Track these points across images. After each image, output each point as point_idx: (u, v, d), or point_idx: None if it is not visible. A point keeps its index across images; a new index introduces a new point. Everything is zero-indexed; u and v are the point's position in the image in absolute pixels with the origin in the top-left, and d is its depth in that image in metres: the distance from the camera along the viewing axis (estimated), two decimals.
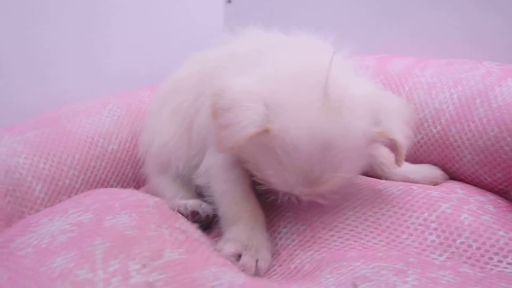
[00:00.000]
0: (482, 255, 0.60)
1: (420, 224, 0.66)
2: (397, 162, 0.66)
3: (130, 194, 0.67)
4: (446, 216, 0.66)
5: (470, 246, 0.62)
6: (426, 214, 0.67)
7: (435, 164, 0.86)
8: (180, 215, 0.66)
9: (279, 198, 0.66)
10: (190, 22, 1.51)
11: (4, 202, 0.79)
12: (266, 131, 0.56)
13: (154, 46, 1.44)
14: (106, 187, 0.95)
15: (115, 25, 1.33)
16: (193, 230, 0.58)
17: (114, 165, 0.99)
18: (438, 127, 0.84)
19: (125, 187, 0.98)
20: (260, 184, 0.65)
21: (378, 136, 0.62)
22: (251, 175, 0.67)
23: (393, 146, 0.64)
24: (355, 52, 0.71)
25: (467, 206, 0.68)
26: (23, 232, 0.54)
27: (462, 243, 0.62)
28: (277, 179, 0.60)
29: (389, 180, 0.80)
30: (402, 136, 0.63)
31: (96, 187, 0.94)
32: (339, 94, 0.58)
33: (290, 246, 0.66)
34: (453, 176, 0.84)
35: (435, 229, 0.65)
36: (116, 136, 1.01)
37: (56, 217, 0.56)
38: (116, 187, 0.97)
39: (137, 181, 1.03)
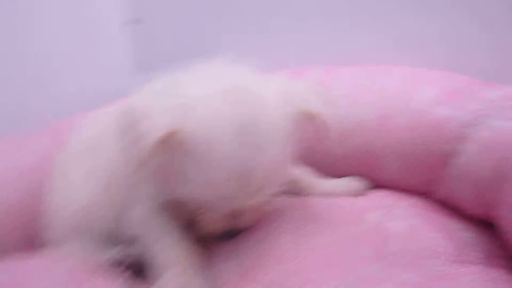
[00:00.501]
0: (416, 260, 0.65)
1: (352, 238, 0.71)
2: (325, 138, 0.70)
3: (39, 260, 0.64)
4: (375, 227, 0.72)
5: (404, 252, 0.67)
6: (356, 228, 0.72)
7: (361, 175, 0.92)
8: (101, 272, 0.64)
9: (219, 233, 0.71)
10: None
11: None
12: (174, 134, 0.59)
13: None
14: None
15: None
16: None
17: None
18: (362, 139, 0.90)
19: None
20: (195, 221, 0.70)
21: (298, 116, 0.66)
22: (188, 214, 0.71)
23: (316, 123, 0.68)
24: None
25: (394, 211, 0.76)
26: None
27: (393, 252, 0.67)
28: (210, 193, 0.62)
29: None
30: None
31: None
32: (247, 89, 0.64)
33: (232, 280, 0.68)
34: (378, 184, 0.91)
35: (367, 243, 0.69)
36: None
37: None
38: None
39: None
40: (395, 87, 0.89)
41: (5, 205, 0.91)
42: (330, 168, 0.96)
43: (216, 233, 0.73)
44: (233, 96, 0.63)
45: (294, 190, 0.89)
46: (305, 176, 0.91)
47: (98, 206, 0.81)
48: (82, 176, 0.84)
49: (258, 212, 0.73)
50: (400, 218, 0.73)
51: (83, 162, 0.86)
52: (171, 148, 0.60)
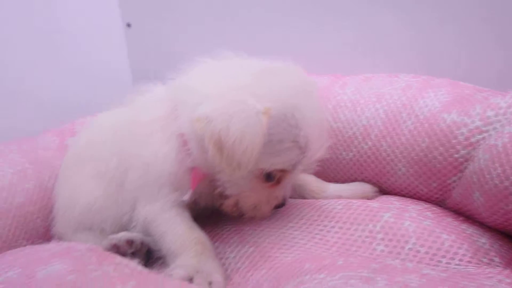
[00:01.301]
0: (431, 259, 0.68)
1: (366, 237, 0.73)
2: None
3: (55, 245, 0.65)
4: (390, 225, 0.74)
5: (418, 251, 0.70)
6: (370, 226, 0.74)
7: (369, 181, 0.95)
8: (117, 255, 0.66)
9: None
10: (93, 48, 1.56)
11: None
12: (269, 113, 0.66)
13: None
14: (15, 247, 0.89)
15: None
16: (135, 263, 0.58)
17: (22, 220, 0.94)
18: (369, 143, 0.94)
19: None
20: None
21: None
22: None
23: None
24: None
25: (407, 214, 0.77)
26: None
27: (410, 249, 0.70)
28: (285, 157, 0.71)
29: None
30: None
31: (1, 249, 0.88)
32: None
33: (241, 269, 0.70)
34: (387, 191, 0.94)
35: (382, 239, 0.72)
36: (22, 188, 0.96)
37: None
38: (26, 245, 0.91)
39: (50, 236, 0.98)
40: (401, 94, 0.92)
41: (20, 199, 0.95)
42: (338, 173, 0.99)
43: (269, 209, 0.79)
44: (286, 71, 0.75)
45: (303, 194, 0.92)
46: (313, 180, 0.94)
47: (104, 206, 0.86)
48: (88, 179, 0.88)
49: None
50: (414, 219, 0.74)
51: (84, 166, 0.91)
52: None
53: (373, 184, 0.95)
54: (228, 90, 0.68)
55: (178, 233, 0.75)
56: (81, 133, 1.06)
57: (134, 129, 0.82)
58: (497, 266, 0.66)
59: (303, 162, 0.74)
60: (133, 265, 0.58)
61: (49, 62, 1.45)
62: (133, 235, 0.78)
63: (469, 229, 0.74)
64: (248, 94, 0.67)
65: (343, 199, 0.84)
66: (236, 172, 0.67)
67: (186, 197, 0.76)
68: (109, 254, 0.61)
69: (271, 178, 0.74)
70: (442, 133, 0.82)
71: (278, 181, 0.76)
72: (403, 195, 0.91)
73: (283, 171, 0.74)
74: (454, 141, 0.80)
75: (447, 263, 0.67)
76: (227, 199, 0.77)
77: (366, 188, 0.93)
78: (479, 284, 0.53)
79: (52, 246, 0.64)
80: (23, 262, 0.55)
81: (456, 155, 0.80)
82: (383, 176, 0.93)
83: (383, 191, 0.94)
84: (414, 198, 0.89)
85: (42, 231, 0.98)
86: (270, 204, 0.79)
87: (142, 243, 0.77)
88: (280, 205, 0.80)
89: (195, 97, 0.70)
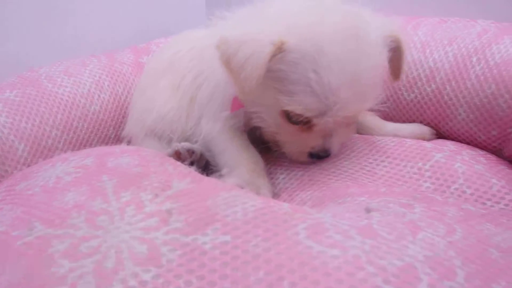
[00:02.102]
0: (476, 200, 0.69)
1: (414, 173, 0.75)
2: (398, 72, 0.77)
3: (125, 146, 0.73)
4: (440, 165, 0.75)
5: (464, 192, 0.71)
6: (420, 164, 0.76)
7: (428, 124, 0.95)
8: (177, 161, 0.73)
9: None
10: None
11: None
12: (282, 47, 0.64)
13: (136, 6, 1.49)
14: (89, 147, 1.00)
15: None
16: (192, 169, 0.64)
17: (97, 126, 1.04)
18: (433, 85, 0.92)
19: None
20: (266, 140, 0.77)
21: (389, 39, 0.72)
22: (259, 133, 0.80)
23: (395, 52, 0.74)
24: None
25: (459, 156, 0.78)
26: (25, 178, 0.60)
27: (456, 189, 0.71)
28: (298, 100, 0.67)
29: None
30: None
31: (78, 147, 0.99)
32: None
33: (289, 189, 0.75)
34: (445, 135, 0.93)
35: (430, 177, 0.73)
36: (98, 97, 1.06)
37: (58, 164, 0.61)
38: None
39: (120, 142, 1.08)
40: (475, 38, 0.88)
41: (96, 107, 1.06)
42: (397, 113, 0.99)
43: (303, 156, 0.77)
44: (329, 8, 0.69)
45: (360, 131, 0.93)
46: (372, 117, 0.95)
47: (175, 118, 0.93)
48: (165, 90, 0.95)
49: (345, 133, 0.78)
50: (466, 162, 0.75)
51: (161, 78, 0.97)
52: (281, 61, 0.66)
53: (431, 127, 0.94)
54: (257, 24, 0.69)
55: (234, 151, 0.80)
56: (161, 49, 1.15)
57: (208, 51, 0.85)
58: None
59: (330, 115, 0.68)
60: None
61: None
62: (194, 146, 0.85)
63: None
64: (272, 28, 0.66)
65: (396, 138, 0.84)
66: (242, 95, 0.70)
67: (224, 114, 0.80)
68: (171, 158, 0.68)
69: (294, 120, 0.72)
70: (511, 81, 0.79)
71: (309, 128, 0.73)
72: (460, 141, 0.90)
73: (306, 117, 0.70)
74: None
75: (491, 206, 0.68)
76: (264, 131, 0.80)
77: (424, 129, 0.92)
78: None
79: (122, 146, 0.72)
80: (97, 154, 0.63)
81: None
82: (442, 120, 0.92)
83: (441, 135, 0.94)
84: (470, 144, 0.88)
85: (113, 138, 1.08)
86: (302, 150, 0.77)
87: (201, 155, 0.84)
88: (317, 155, 0.77)
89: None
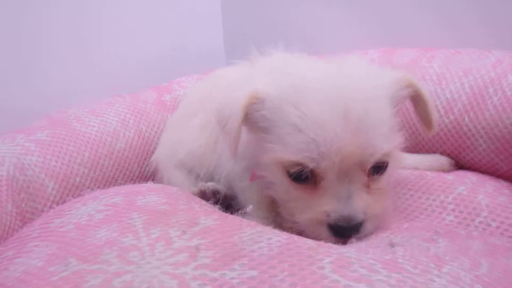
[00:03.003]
0: (502, 234, 0.69)
1: (437, 206, 0.75)
2: (430, 124, 0.72)
3: (151, 184, 0.76)
4: (462, 198, 0.75)
5: (489, 225, 0.71)
6: (442, 196, 0.76)
7: (448, 155, 0.95)
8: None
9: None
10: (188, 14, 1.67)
11: (19, 198, 0.87)
12: (257, 96, 0.66)
13: (154, 46, 1.56)
14: (114, 185, 1.03)
15: (108, 21, 1.46)
16: (218, 207, 0.66)
17: (122, 163, 1.08)
18: (451, 117, 0.93)
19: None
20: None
21: (402, 83, 0.68)
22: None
23: (418, 102, 0.71)
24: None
25: (482, 188, 0.78)
26: (58, 215, 0.62)
27: (480, 222, 0.71)
28: (289, 144, 0.63)
29: None
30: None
31: (105, 185, 1.02)
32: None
33: None
34: (466, 166, 0.93)
35: (453, 210, 0.74)
36: (123, 135, 1.10)
37: (89, 202, 0.64)
38: (124, 184, 1.05)
39: (144, 178, 1.11)
40: (490, 69, 0.90)
41: (121, 145, 1.10)
42: (417, 145, 1.00)
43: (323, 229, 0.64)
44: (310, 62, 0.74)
45: None
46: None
47: (204, 154, 0.95)
48: (197, 127, 0.99)
49: (375, 197, 0.66)
50: (489, 194, 0.75)
51: (194, 116, 1.02)
52: (262, 108, 0.66)
53: (452, 158, 0.94)
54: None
55: (254, 192, 0.80)
56: (198, 85, 1.21)
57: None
58: None
59: (327, 157, 0.61)
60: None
61: (150, 29, 1.58)
62: (219, 187, 0.86)
63: None
64: (250, 85, 0.69)
65: (417, 171, 0.85)
66: (232, 156, 0.70)
67: (249, 209, 0.74)
68: (196, 198, 0.70)
69: (295, 176, 0.65)
70: None
71: (316, 186, 0.65)
72: (482, 172, 0.90)
73: (299, 165, 0.63)
74: None
75: None
76: (279, 203, 0.73)
77: (443, 160, 0.93)
78: None
79: (149, 184, 0.75)
80: (125, 192, 0.65)
81: None
82: (462, 151, 0.92)
83: (461, 166, 0.94)
84: (493, 175, 0.87)
85: (137, 174, 1.11)
86: (317, 218, 0.64)
87: (225, 196, 0.86)
88: (339, 228, 0.62)
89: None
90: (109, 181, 1.05)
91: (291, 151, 0.63)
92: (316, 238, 0.60)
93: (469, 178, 0.83)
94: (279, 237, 0.51)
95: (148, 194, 0.64)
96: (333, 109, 0.61)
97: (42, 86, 1.29)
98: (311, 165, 0.62)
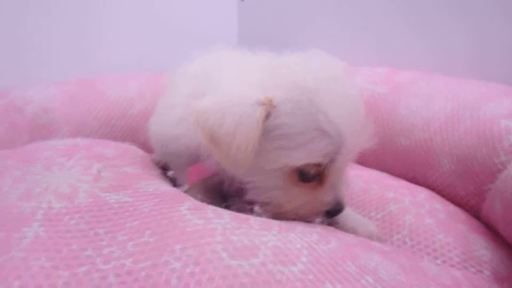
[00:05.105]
0: (414, 253, 0.73)
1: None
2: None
3: (122, 144, 0.88)
4: (391, 216, 0.81)
5: (405, 242, 0.75)
6: (373, 213, 0.82)
7: (413, 170, 1.00)
8: None
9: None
10: (204, 21, 1.77)
11: (36, 133, 1.05)
12: (271, 103, 0.60)
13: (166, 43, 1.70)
14: None
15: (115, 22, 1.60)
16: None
17: (130, 127, 1.22)
18: (426, 134, 0.97)
19: None
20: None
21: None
22: None
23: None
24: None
25: (416, 209, 0.82)
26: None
27: (398, 239, 0.76)
28: (312, 148, 0.61)
29: None
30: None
31: None
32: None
33: None
34: (431, 187, 0.96)
35: (377, 226, 0.78)
36: (138, 103, 1.25)
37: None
38: None
39: (147, 148, 1.23)
40: (468, 96, 0.93)
41: (140, 110, 1.24)
42: (394, 157, 1.05)
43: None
44: (302, 61, 0.67)
45: None
46: None
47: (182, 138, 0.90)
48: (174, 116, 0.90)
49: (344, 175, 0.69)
50: (419, 216, 0.79)
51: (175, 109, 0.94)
52: (277, 116, 0.61)
53: (421, 177, 0.98)
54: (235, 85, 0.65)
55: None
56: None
57: None
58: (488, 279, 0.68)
59: (343, 153, 0.62)
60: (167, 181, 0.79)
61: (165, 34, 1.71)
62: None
63: (477, 239, 0.76)
64: (253, 87, 0.62)
65: (365, 184, 0.91)
66: (237, 169, 0.63)
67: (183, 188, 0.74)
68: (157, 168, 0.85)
69: (306, 176, 0.64)
70: (491, 135, 0.83)
71: (320, 181, 0.66)
72: (444, 196, 0.92)
73: (318, 166, 0.63)
74: (498, 145, 0.80)
75: (433, 258, 0.71)
76: (256, 206, 0.67)
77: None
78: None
79: (120, 143, 0.93)
80: (91, 141, 0.82)
81: (496, 160, 0.80)
82: (430, 169, 0.95)
83: (428, 187, 0.96)
84: (453, 201, 0.90)
85: (141, 141, 1.18)
86: (318, 210, 0.67)
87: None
88: (334, 212, 0.68)
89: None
90: (116, 140, 1.19)
91: (317, 154, 0.61)
92: (308, 220, 0.66)
93: (414, 197, 0.87)
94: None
95: (107, 147, 0.77)
96: (347, 109, 0.63)
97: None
98: (330, 165, 0.63)
